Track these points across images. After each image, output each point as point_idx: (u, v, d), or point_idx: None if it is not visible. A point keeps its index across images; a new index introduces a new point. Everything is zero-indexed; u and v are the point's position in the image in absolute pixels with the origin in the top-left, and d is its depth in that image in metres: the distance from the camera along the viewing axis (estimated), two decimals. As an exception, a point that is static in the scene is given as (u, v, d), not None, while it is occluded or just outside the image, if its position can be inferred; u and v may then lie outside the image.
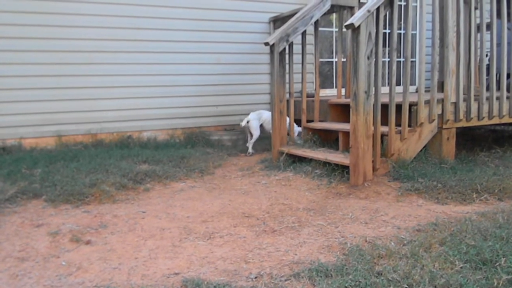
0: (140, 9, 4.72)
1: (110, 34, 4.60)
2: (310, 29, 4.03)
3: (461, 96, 3.48)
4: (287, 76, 3.94)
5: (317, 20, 3.96)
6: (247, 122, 4.47)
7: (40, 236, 2.31)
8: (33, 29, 4.28)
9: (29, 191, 2.98)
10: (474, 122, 3.65)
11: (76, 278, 1.85)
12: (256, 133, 4.48)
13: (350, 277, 1.69)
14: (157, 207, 2.83)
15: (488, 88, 3.70)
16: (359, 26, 2.89)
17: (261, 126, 4.54)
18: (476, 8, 3.52)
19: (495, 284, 1.58)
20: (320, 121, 4.15)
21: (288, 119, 4.09)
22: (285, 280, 1.75)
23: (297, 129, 4.32)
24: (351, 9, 4.15)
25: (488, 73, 3.77)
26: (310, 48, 4.70)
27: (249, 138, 4.57)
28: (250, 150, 4.53)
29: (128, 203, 2.91)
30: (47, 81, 4.39)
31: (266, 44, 3.77)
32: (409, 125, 3.31)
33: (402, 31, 5.61)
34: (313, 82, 4.94)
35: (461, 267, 1.73)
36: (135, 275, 1.86)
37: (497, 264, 1.72)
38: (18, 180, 3.18)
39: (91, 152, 4.08)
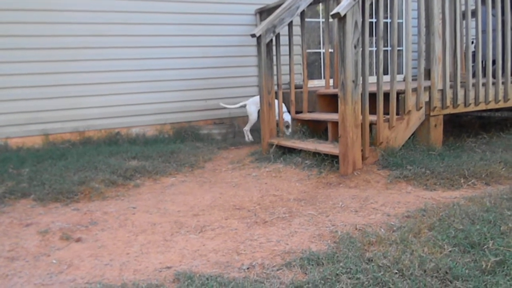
0: (125, 4, 4.66)
1: (95, 30, 4.54)
2: (297, 20, 4.02)
3: (448, 83, 3.51)
4: (274, 68, 3.92)
5: (304, 11, 3.94)
6: (244, 106, 4.46)
7: (30, 235, 2.29)
8: (17, 26, 4.21)
9: (17, 191, 2.95)
10: (461, 109, 3.68)
11: (67, 275, 1.84)
12: (251, 118, 4.48)
13: (341, 264, 1.71)
14: (148, 202, 2.82)
15: (474, 75, 3.74)
16: (345, 15, 2.89)
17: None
18: (461, -5, 3.54)
19: (484, 266, 1.61)
20: (309, 112, 4.16)
21: (281, 106, 4.09)
22: (277, 270, 1.76)
23: (287, 117, 4.27)
24: (337, -1, 4.14)
25: (474, 60, 3.79)
26: (297, 39, 4.69)
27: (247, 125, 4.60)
28: (248, 137, 4.58)
29: (118, 200, 2.89)
30: (32, 79, 4.32)
31: (253, 36, 3.75)
32: (397, 113, 3.33)
33: (388, 20, 5.63)
34: (301, 73, 4.94)
35: (450, 251, 1.75)
36: (127, 271, 1.86)
37: (485, 247, 1.75)
38: (6, 180, 3.14)
39: (79, 150, 4.04)
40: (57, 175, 3.22)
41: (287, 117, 4.23)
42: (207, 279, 1.68)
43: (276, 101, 3.98)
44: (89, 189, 2.98)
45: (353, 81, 3.00)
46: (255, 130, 4.76)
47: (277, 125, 4.01)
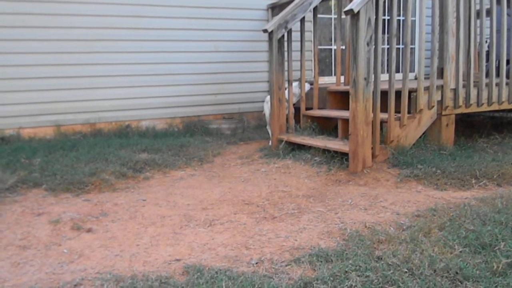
0: (137, -4, 4.68)
1: (108, 23, 4.56)
2: (309, 15, 4.00)
3: (461, 82, 3.47)
4: (285, 63, 3.91)
5: (316, 7, 3.92)
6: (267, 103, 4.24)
7: (41, 225, 2.32)
8: (30, 17, 4.24)
9: (29, 181, 2.99)
10: (473, 109, 3.64)
11: (78, 265, 1.86)
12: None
13: (350, 261, 1.70)
14: (157, 195, 2.83)
15: (487, 75, 3.69)
16: (358, 12, 2.87)
17: None
18: (476, -6, 3.50)
19: (495, 267, 1.60)
20: (319, 108, 4.14)
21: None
22: (286, 265, 1.77)
23: (296, 89, 4.13)
24: (350, -5, 4.11)
25: (487, 60, 3.75)
26: (308, 35, 4.67)
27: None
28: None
29: (128, 192, 2.92)
30: (45, 71, 4.36)
31: (265, 31, 3.75)
32: (409, 112, 3.30)
33: (401, 18, 5.58)
34: (312, 70, 4.91)
35: (461, 251, 1.74)
36: (136, 262, 1.87)
37: (496, 248, 1.74)
38: (18, 169, 3.18)
39: (90, 142, 4.08)
40: (68, 166, 3.26)
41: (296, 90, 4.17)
42: (216, 272, 1.69)
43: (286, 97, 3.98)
44: (100, 180, 3.01)
45: (365, 79, 2.98)
46: (264, 126, 4.76)
47: (287, 121, 4.00)
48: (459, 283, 1.54)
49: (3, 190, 2.83)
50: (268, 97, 4.29)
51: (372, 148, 3.11)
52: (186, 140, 4.25)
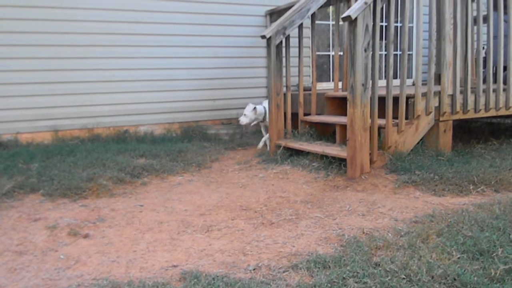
0: (137, 2, 4.69)
1: (106, 28, 4.57)
2: (307, 22, 4.02)
3: (458, 88, 3.49)
4: (284, 69, 3.93)
5: (314, 13, 3.94)
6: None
7: (38, 230, 2.31)
8: (28, 23, 4.24)
9: (26, 186, 2.97)
10: (471, 115, 3.65)
11: (74, 271, 1.85)
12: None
13: (348, 268, 1.70)
14: (155, 200, 2.83)
15: (485, 81, 3.71)
16: (356, 18, 2.89)
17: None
18: (472, 1, 3.51)
19: (493, 274, 1.59)
20: (317, 114, 4.15)
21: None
22: (283, 272, 1.76)
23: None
24: (347, 2, 4.13)
25: (485, 66, 3.77)
26: (307, 41, 4.67)
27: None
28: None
29: (125, 197, 2.91)
30: (43, 76, 4.36)
31: (263, 37, 3.76)
32: (406, 118, 3.31)
33: (399, 24, 5.60)
34: (310, 76, 4.93)
35: (458, 258, 1.74)
36: (133, 268, 1.86)
37: (494, 254, 1.74)
38: (15, 175, 3.17)
39: (88, 147, 4.07)
40: (65, 171, 3.25)
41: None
42: (213, 279, 1.69)
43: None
44: (97, 185, 3.00)
45: (363, 85, 2.99)
46: (259, 131, 4.76)
47: (285, 126, 4.00)
48: (457, 290, 1.53)
49: (0, 196, 2.82)
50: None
51: (370, 154, 3.11)
52: (184, 146, 4.25)
